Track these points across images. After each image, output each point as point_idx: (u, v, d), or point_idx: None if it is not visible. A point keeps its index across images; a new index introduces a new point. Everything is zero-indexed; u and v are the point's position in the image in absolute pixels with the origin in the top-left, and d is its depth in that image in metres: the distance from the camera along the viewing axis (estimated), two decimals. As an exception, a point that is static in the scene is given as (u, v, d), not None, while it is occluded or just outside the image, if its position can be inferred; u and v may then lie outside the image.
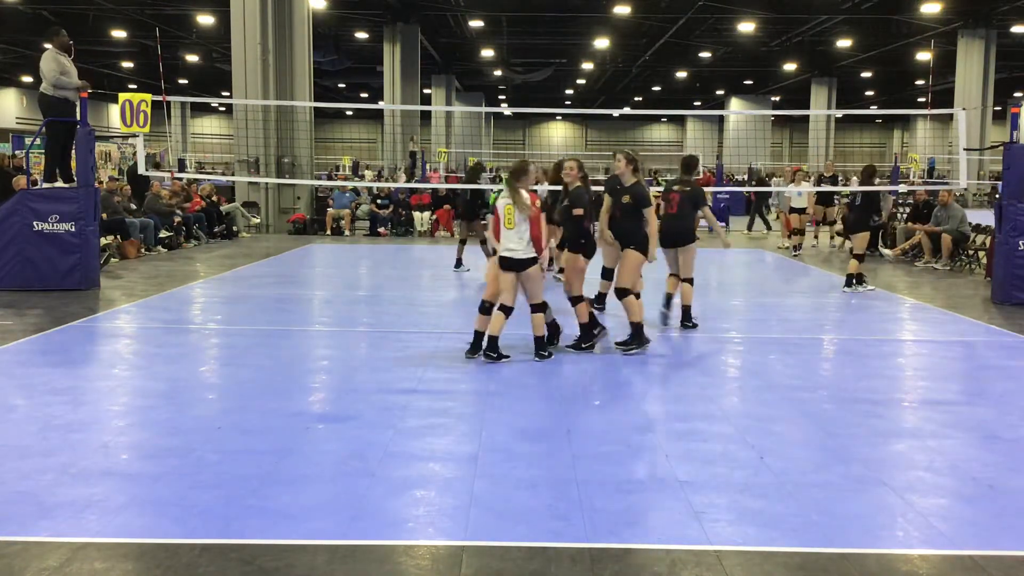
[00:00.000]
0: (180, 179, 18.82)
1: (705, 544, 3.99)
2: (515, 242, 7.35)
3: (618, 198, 8.14)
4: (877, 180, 12.88)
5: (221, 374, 7.31)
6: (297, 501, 4.42)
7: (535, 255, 7.40)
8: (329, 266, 15.47)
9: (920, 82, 42.37)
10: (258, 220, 20.49)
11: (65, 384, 6.64)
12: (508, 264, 7.39)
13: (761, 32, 34.26)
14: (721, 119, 57.79)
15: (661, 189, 10.24)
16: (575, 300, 8.04)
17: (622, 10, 29.02)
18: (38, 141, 13.46)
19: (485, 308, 7.51)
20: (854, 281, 11.81)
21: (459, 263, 13.61)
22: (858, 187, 12.09)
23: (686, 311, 9.13)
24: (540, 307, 7.55)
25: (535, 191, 7.76)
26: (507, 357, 7.43)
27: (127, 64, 40.57)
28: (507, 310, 7.46)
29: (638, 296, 8.09)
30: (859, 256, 11.73)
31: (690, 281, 9.19)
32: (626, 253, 8.12)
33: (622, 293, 8.03)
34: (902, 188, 18.93)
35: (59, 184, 11.63)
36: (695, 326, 9.08)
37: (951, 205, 14.95)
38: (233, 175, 21.54)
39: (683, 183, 9.32)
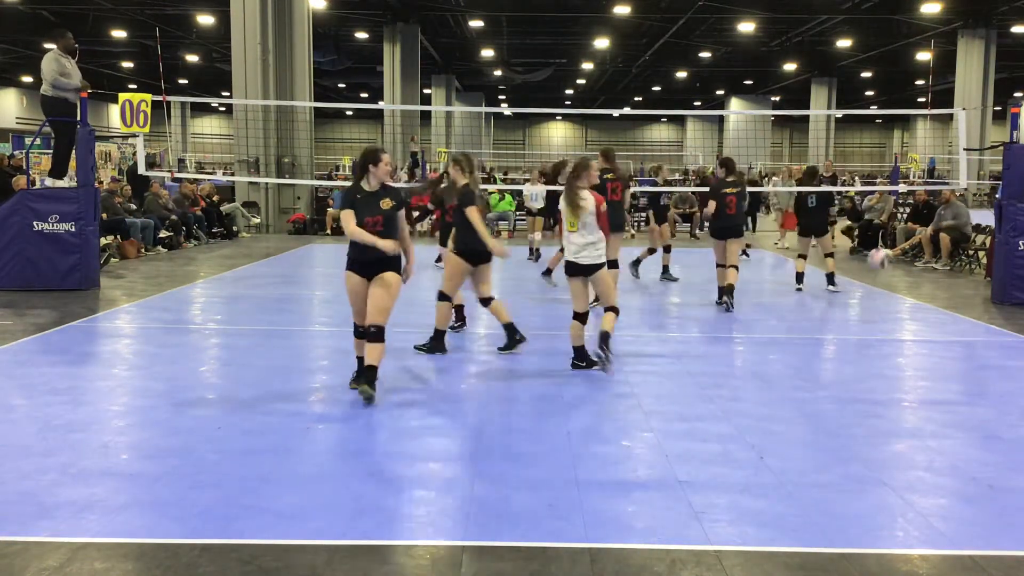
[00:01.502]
0: (181, 180, 18.82)
1: (705, 544, 3.99)
2: (578, 246, 7.02)
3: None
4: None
5: (221, 374, 7.31)
6: (297, 501, 4.42)
7: (602, 260, 7.01)
8: (329, 266, 15.45)
9: (920, 82, 42.34)
10: (258, 220, 20.49)
11: (65, 384, 6.64)
12: (573, 270, 7.10)
13: (761, 32, 34.24)
14: (721, 119, 57.73)
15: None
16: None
17: (622, 10, 28.99)
18: (38, 141, 13.45)
19: (358, 332, 6.43)
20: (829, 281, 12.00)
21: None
22: (803, 188, 12.17)
23: (730, 289, 10.37)
24: (612, 308, 7.16)
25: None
26: (596, 364, 7.13)
27: (127, 64, 40.52)
28: (581, 317, 7.17)
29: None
30: (832, 253, 12.06)
31: (736, 267, 10.42)
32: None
33: (440, 295, 7.82)
34: (902, 188, 18.92)
35: (61, 184, 11.63)
36: (731, 305, 10.26)
37: (954, 203, 14.90)
38: (233, 175, 21.54)
39: (731, 184, 10.48)
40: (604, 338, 7.06)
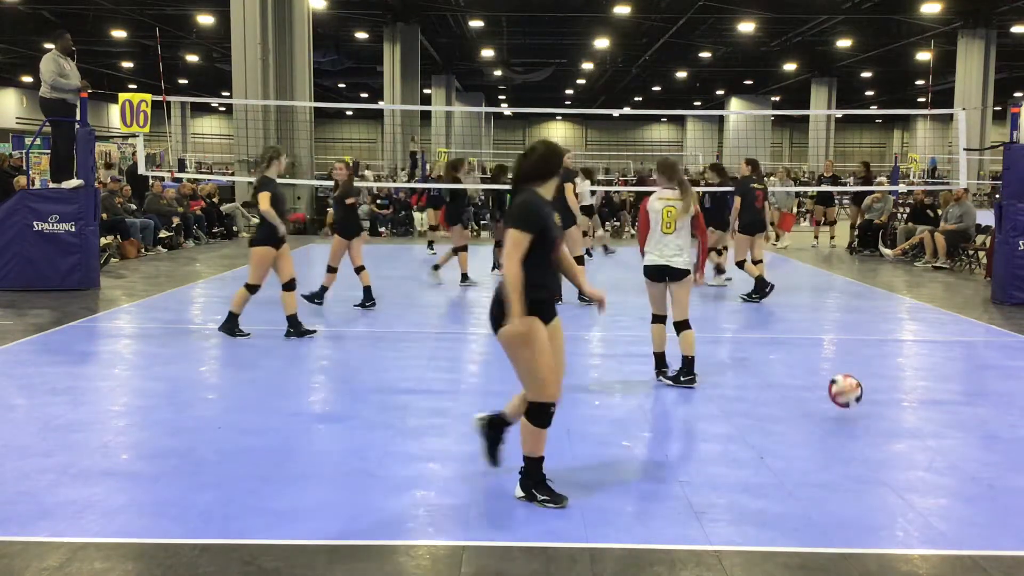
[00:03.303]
0: (181, 180, 18.82)
1: (705, 544, 3.99)
2: (675, 249, 6.63)
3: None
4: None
5: (221, 374, 7.31)
6: (297, 501, 4.42)
7: (689, 266, 6.63)
8: (329, 266, 15.42)
9: (920, 82, 42.31)
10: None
11: (65, 384, 6.64)
12: (663, 274, 6.67)
13: (761, 32, 34.23)
14: (721, 119, 57.71)
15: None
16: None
17: (622, 10, 28.99)
18: (38, 141, 13.45)
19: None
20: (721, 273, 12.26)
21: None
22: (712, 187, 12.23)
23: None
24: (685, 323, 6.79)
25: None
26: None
27: (127, 64, 40.52)
28: (663, 319, 6.88)
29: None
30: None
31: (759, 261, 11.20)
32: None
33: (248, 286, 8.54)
34: (902, 188, 18.90)
35: (76, 183, 11.60)
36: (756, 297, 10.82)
37: (964, 202, 14.84)
38: (233, 175, 21.53)
39: (757, 182, 11.08)
40: (686, 366, 6.81)
